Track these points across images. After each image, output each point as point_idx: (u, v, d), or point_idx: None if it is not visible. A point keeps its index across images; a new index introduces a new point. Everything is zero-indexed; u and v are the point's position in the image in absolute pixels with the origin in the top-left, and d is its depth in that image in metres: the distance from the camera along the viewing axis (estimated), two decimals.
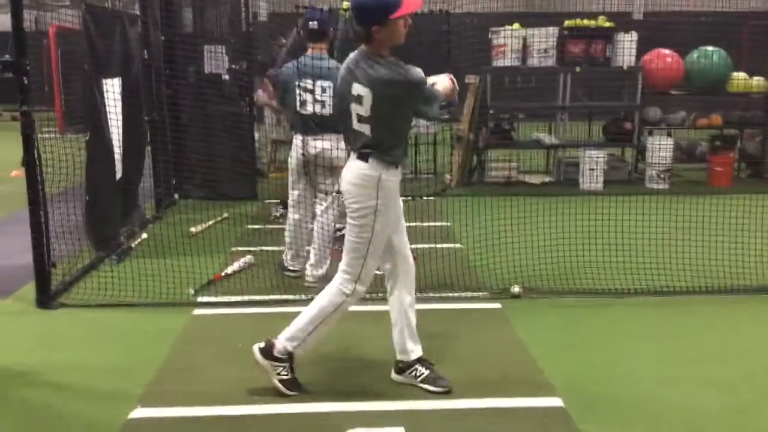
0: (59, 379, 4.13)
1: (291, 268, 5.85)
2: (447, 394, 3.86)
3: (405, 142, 3.85)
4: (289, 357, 3.82)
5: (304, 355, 3.88)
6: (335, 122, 4.25)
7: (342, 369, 4.23)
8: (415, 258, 6.11)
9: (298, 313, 4.97)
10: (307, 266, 5.70)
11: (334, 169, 5.36)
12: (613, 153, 10.78)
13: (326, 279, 5.69)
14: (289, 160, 5.72)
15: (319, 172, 5.56)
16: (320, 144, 5.44)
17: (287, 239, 5.84)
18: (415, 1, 3.56)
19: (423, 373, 3.93)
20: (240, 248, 6.65)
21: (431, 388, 3.89)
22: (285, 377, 3.82)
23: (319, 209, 5.68)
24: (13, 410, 3.77)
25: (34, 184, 5.16)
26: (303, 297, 5.39)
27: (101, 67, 6.34)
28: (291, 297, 5.33)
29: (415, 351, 3.97)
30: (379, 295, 4.76)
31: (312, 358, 4.34)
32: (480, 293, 5.47)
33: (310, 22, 5.42)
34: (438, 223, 7.41)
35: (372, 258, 3.80)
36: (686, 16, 9.79)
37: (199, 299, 5.41)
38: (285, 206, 6.32)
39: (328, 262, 5.66)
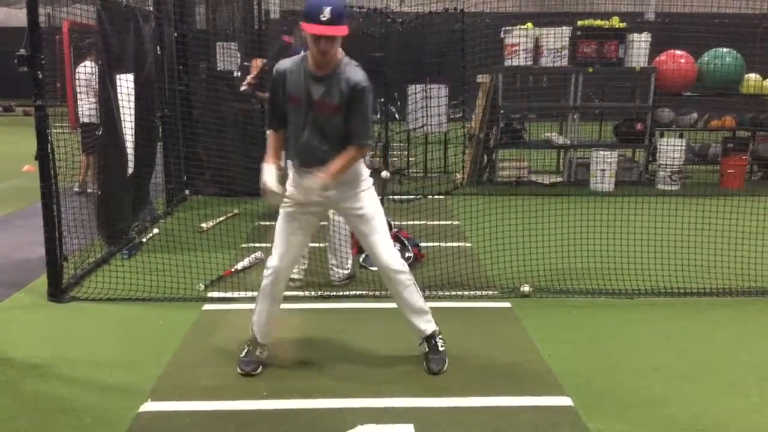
0: (71, 372, 4.16)
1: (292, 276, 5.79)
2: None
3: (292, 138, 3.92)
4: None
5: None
6: None
7: (351, 365, 4.23)
8: (423, 255, 6.21)
9: (305, 309, 5.02)
10: (333, 268, 5.66)
11: None
12: (624, 154, 10.76)
13: (353, 277, 5.72)
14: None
15: None
16: None
17: None
18: (311, 26, 3.52)
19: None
20: (250, 244, 6.66)
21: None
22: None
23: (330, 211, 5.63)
24: (25, 403, 3.79)
25: (47, 178, 5.19)
26: (312, 294, 5.42)
27: (115, 62, 6.37)
28: (300, 293, 5.34)
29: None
30: (385, 293, 4.79)
31: (317, 354, 4.37)
32: (489, 292, 5.47)
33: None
34: (448, 222, 7.41)
35: None
36: (700, 17, 9.74)
37: (209, 294, 5.44)
38: None
39: (351, 259, 5.70)
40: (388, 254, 3.99)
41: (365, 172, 4.04)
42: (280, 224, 4.00)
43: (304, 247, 4.15)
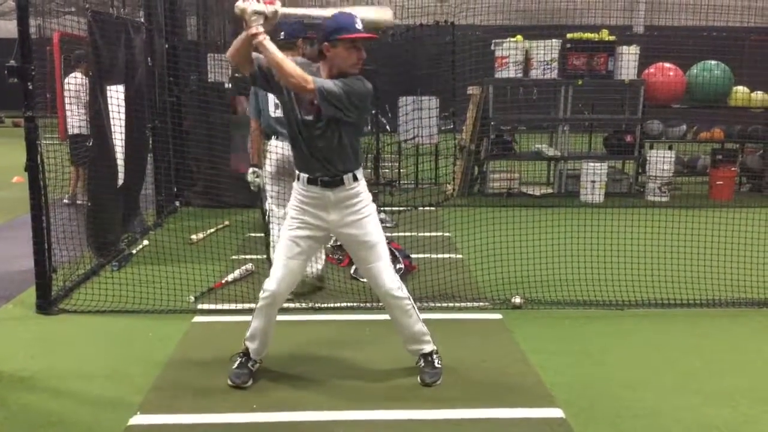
0: (59, 385, 4.13)
1: None
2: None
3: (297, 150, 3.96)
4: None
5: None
6: None
7: (342, 377, 4.22)
8: (414, 267, 6.20)
9: (297, 321, 5.01)
10: None
11: None
12: (613, 165, 10.80)
13: (322, 278, 5.71)
14: (266, 167, 5.48)
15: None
16: None
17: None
18: (353, 35, 3.71)
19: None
20: (240, 256, 6.64)
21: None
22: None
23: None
24: (13, 416, 3.75)
25: (37, 189, 5.16)
26: (303, 305, 5.40)
27: (105, 74, 6.36)
28: (291, 305, 5.32)
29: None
30: (376, 304, 4.78)
31: (308, 366, 4.35)
32: (481, 304, 5.47)
33: (280, 33, 5.35)
34: (438, 234, 7.42)
35: None
36: (688, 30, 9.82)
37: (199, 306, 5.41)
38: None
39: (323, 259, 5.70)
40: (390, 281, 3.98)
41: (368, 196, 3.99)
42: (280, 248, 3.99)
43: (303, 272, 4.16)
